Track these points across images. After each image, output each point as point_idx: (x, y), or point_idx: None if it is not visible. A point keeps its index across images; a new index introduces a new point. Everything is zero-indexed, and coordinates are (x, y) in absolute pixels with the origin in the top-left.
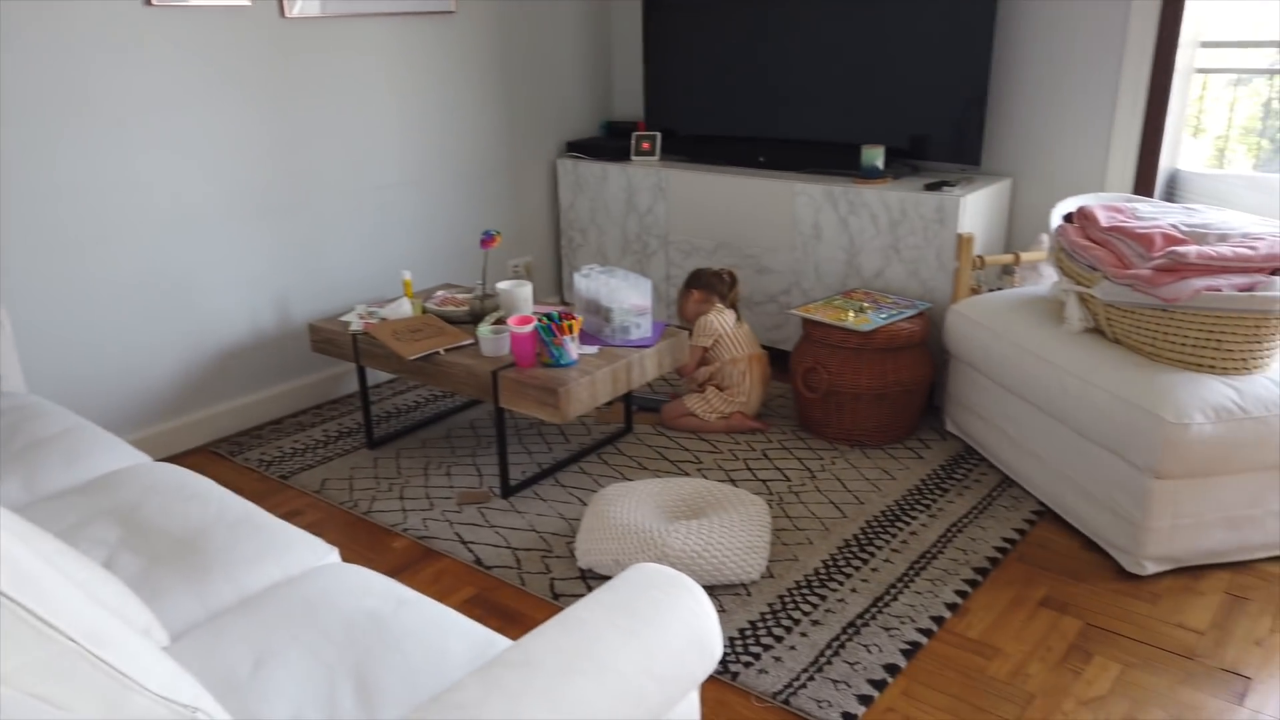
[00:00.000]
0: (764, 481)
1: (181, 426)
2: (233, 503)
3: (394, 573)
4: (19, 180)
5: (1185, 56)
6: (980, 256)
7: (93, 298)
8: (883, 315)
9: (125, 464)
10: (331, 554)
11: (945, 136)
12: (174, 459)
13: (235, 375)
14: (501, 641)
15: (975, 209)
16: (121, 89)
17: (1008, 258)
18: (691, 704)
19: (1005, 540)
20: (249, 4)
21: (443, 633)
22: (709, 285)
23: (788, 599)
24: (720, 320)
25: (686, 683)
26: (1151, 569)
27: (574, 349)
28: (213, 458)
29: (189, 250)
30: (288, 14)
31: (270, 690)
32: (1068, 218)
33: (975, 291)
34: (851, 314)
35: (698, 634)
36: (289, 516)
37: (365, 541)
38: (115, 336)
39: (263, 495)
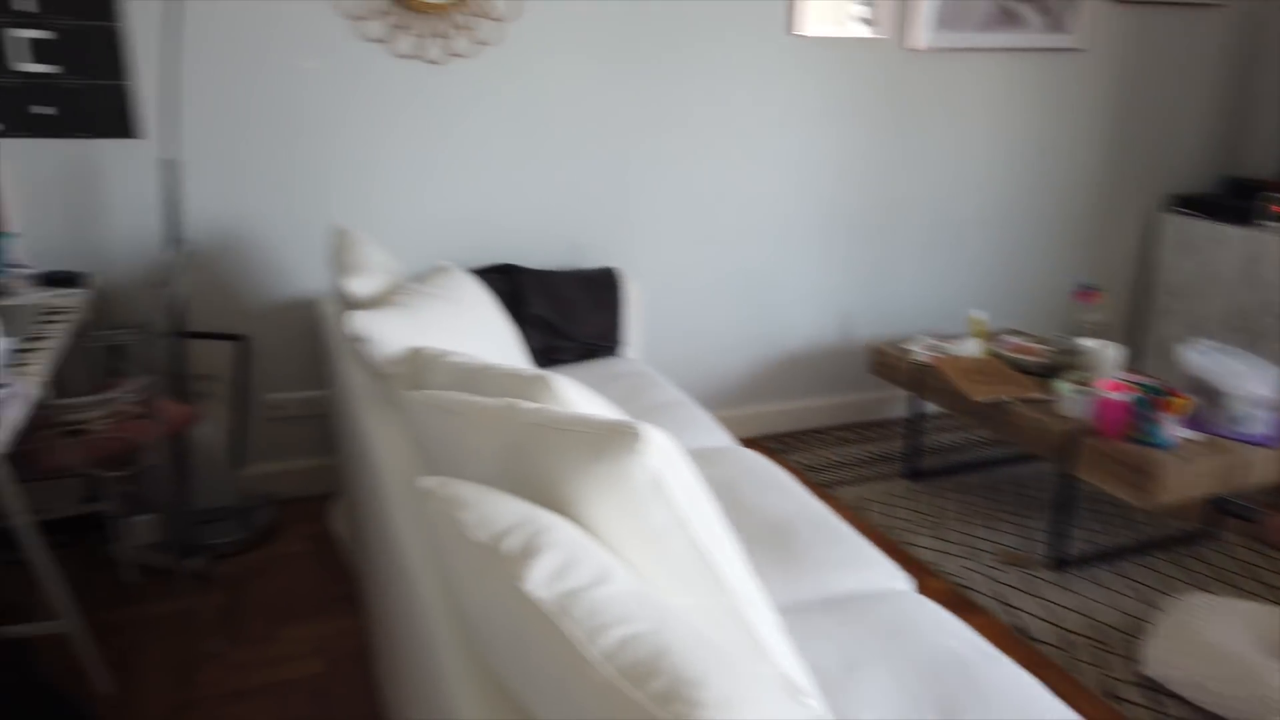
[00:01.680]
0: None
1: (745, 416)
2: (811, 503)
3: None
4: (663, 180)
5: None
6: None
7: (697, 287)
8: None
9: (720, 443)
10: (905, 582)
11: None
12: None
13: (793, 378)
14: None
15: None
16: (758, 109)
17: None
18: None
19: None
20: (883, 36)
21: (1031, 702)
22: None
23: None
24: None
25: None
26: None
27: (1173, 430)
28: (764, 451)
29: (775, 257)
30: (910, 45)
31: (857, 698)
32: None
33: None
34: None
35: None
36: None
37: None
38: (709, 325)
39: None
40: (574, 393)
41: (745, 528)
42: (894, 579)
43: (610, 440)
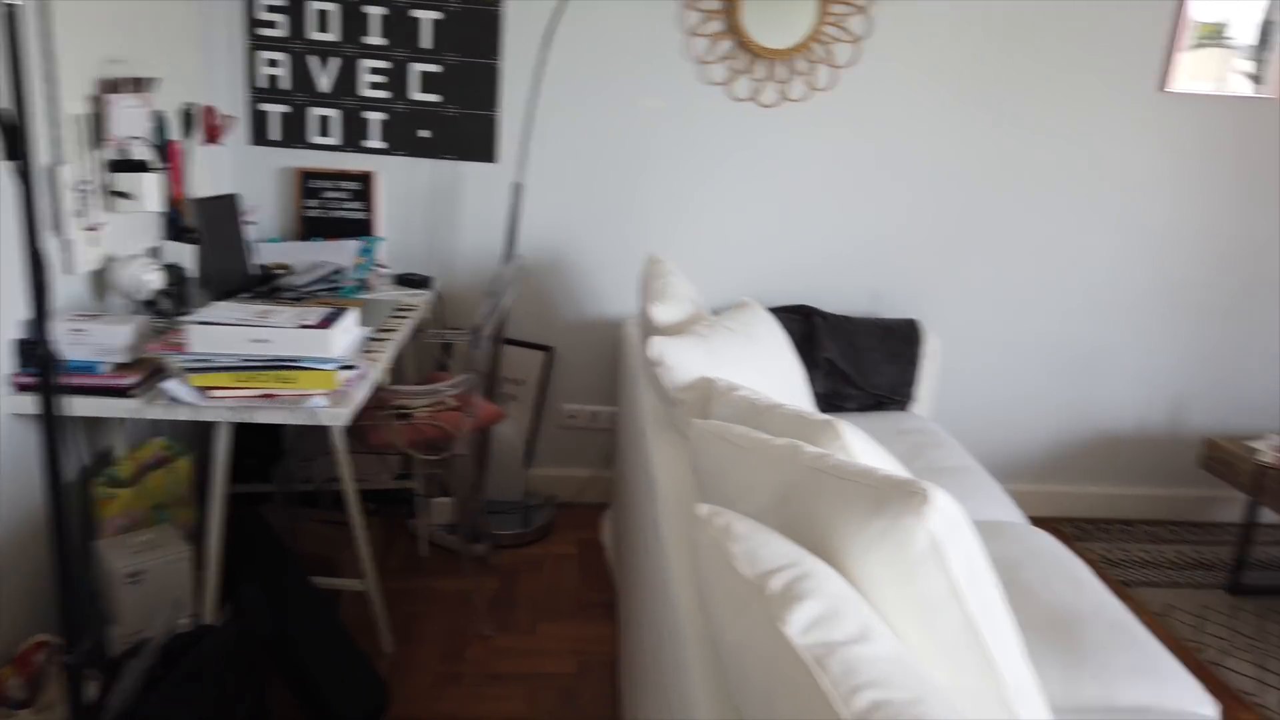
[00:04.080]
0: None
1: (1042, 493)
2: (1109, 601)
3: None
4: (983, 233)
5: None
6: None
7: (1006, 349)
8: None
9: (1007, 518)
10: (1210, 707)
11: None
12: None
13: (1104, 460)
14: None
15: None
16: (1106, 168)
17: None
18: None
19: None
20: (1269, 95)
21: None
22: None
23: None
24: None
25: None
26: None
27: None
28: (1058, 534)
29: (1106, 326)
30: None
31: None
32: None
33: None
34: None
35: None
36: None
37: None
38: (1012, 390)
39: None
40: (860, 443)
41: (1025, 614)
42: (1198, 702)
43: (893, 497)
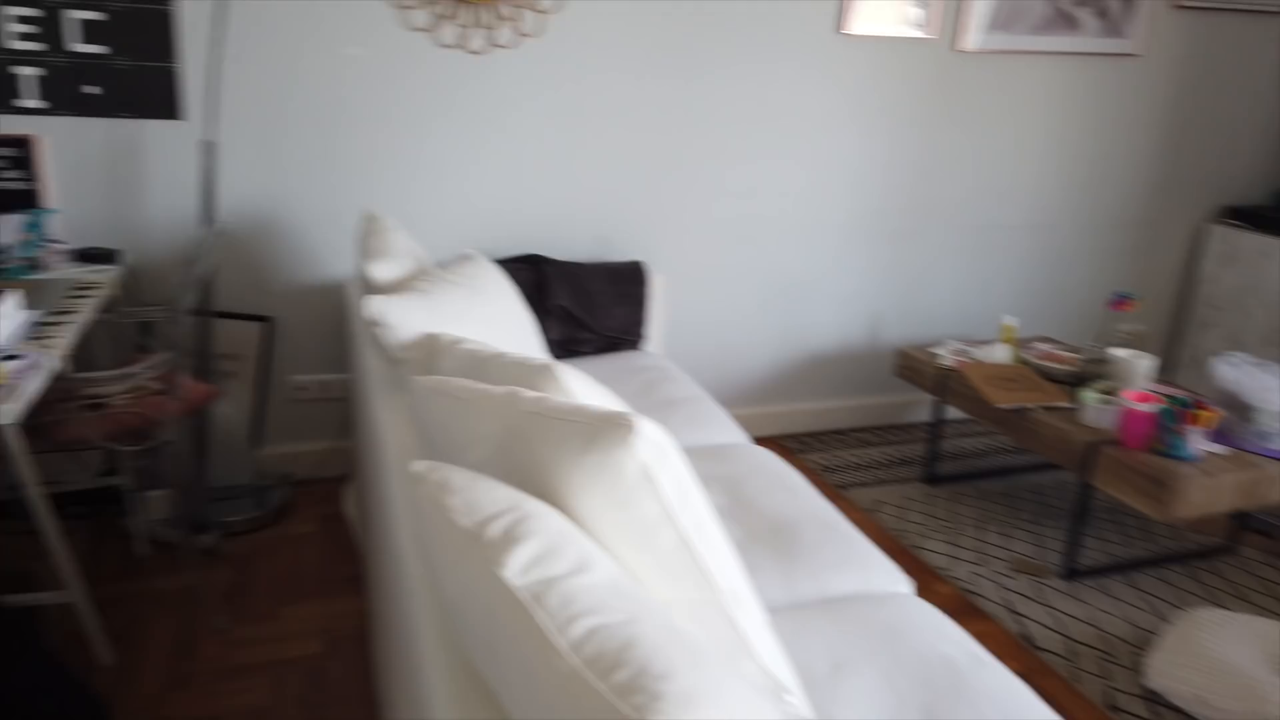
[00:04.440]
0: None
1: (764, 414)
2: (821, 504)
3: None
4: (696, 175)
5: None
6: None
7: (725, 284)
8: None
9: (732, 440)
10: (907, 585)
11: None
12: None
13: (817, 379)
14: None
15: None
16: (800, 107)
17: None
18: None
19: None
20: (932, 37)
21: (1020, 709)
22: None
23: None
24: None
25: None
26: None
27: (1198, 443)
28: (781, 450)
29: (809, 256)
30: (959, 47)
31: (843, 699)
32: None
33: None
34: None
35: None
36: None
37: (909, 576)
38: (734, 321)
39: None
40: (578, 383)
41: (749, 525)
42: (895, 582)
43: (603, 431)
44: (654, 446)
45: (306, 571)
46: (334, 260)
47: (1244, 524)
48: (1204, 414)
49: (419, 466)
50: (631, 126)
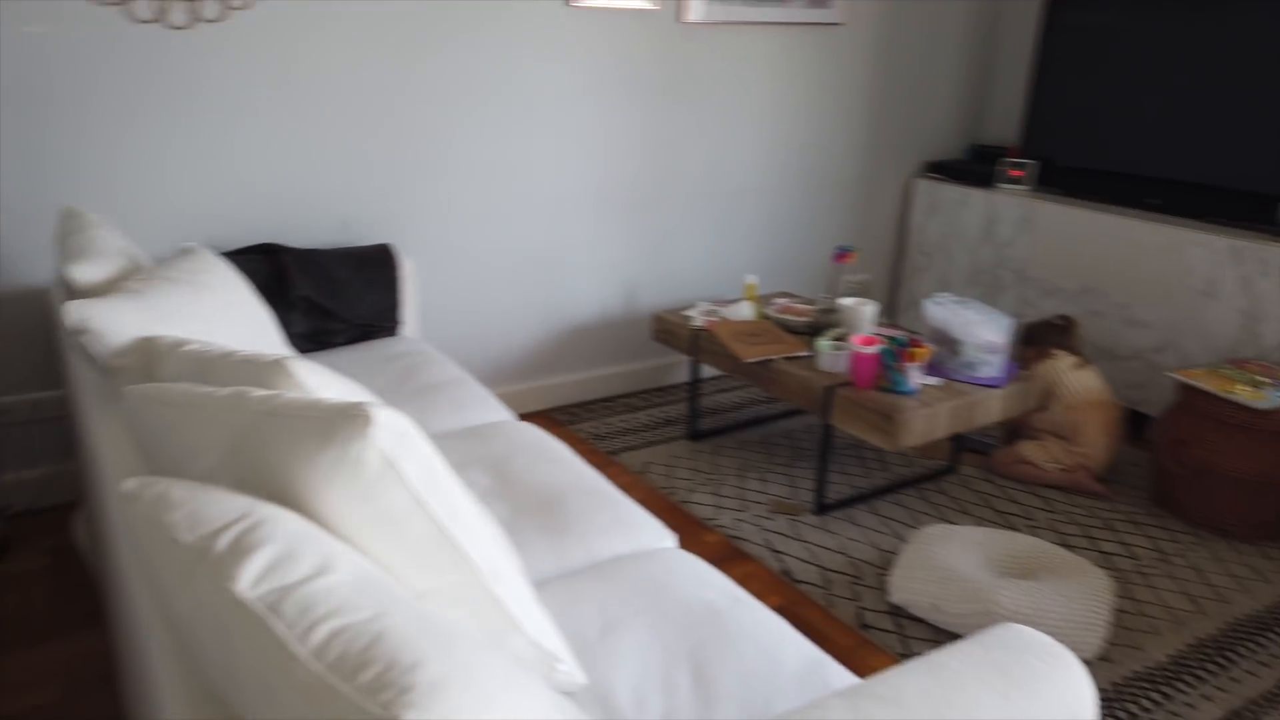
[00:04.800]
0: (1105, 554)
1: (531, 389)
2: (586, 472)
3: None
4: (439, 152)
5: None
6: None
7: (479, 262)
8: None
9: (496, 418)
10: (671, 539)
11: None
12: (521, 419)
13: (579, 350)
14: (831, 665)
15: None
16: (535, 81)
17: None
18: None
19: None
20: (657, 8)
21: (776, 641)
22: (1040, 339)
23: (1125, 690)
24: (1053, 365)
25: None
26: None
27: (917, 377)
28: (551, 423)
29: (561, 230)
30: (684, 18)
31: (614, 658)
32: None
33: None
34: (1244, 387)
35: (1075, 717)
36: None
37: (680, 529)
38: (492, 299)
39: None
40: (315, 377)
41: (515, 501)
42: (661, 538)
43: (337, 424)
44: (394, 434)
45: (36, 612)
46: (35, 265)
47: (961, 445)
48: (918, 351)
49: (131, 484)
50: (362, 103)
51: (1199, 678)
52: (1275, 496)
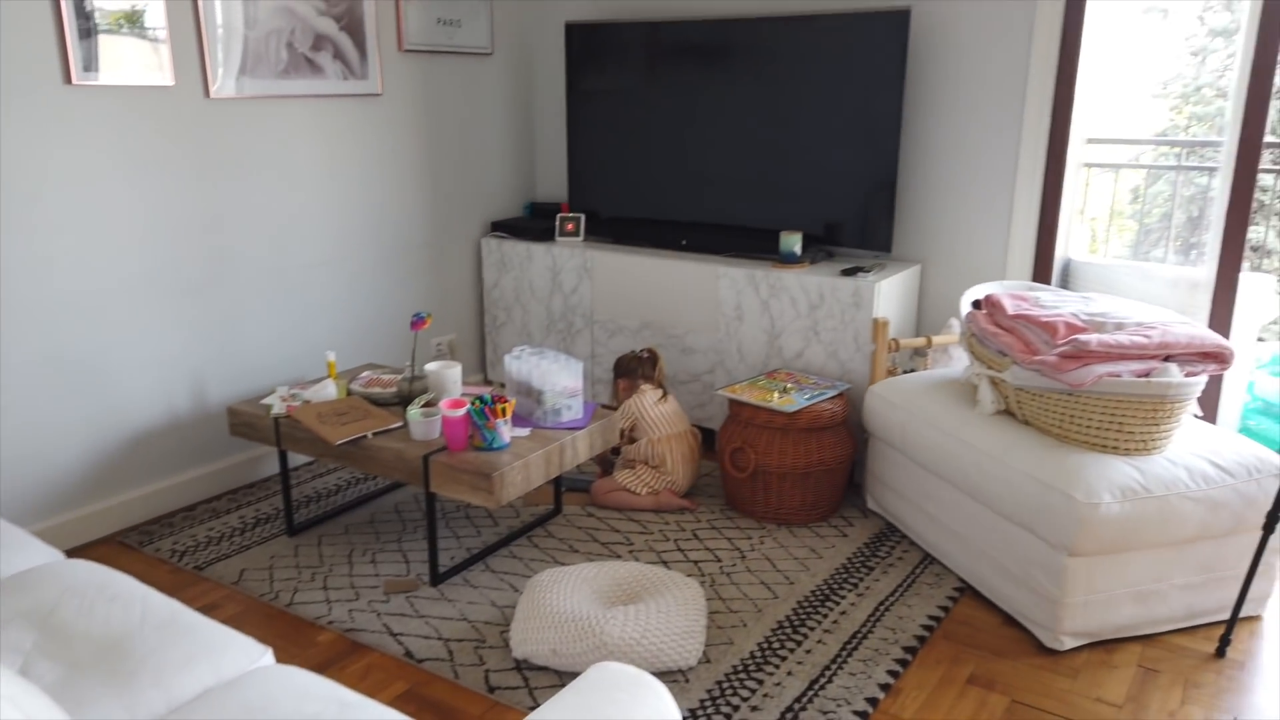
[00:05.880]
0: (695, 563)
1: (88, 515)
2: (157, 602)
3: (320, 669)
4: None
5: (1074, 152)
6: (895, 340)
7: (5, 378)
8: (806, 396)
9: (37, 562)
10: (266, 655)
11: (858, 225)
12: (80, 550)
13: (146, 460)
14: None
15: (889, 294)
16: (38, 169)
17: (920, 341)
18: None
19: (931, 618)
20: (172, 84)
21: None
22: (630, 371)
23: (725, 685)
24: (639, 402)
25: None
26: (1069, 644)
27: (507, 432)
28: (121, 548)
29: (98, 329)
30: (212, 94)
31: None
32: (976, 304)
33: (892, 373)
34: (776, 395)
35: None
36: (205, 611)
37: (289, 636)
38: (26, 420)
39: (176, 589)
40: None
41: (69, 657)
42: (254, 657)
43: None
44: None
45: None
46: None
47: (562, 486)
48: (502, 405)
49: None
50: None
51: (781, 658)
52: (813, 482)
